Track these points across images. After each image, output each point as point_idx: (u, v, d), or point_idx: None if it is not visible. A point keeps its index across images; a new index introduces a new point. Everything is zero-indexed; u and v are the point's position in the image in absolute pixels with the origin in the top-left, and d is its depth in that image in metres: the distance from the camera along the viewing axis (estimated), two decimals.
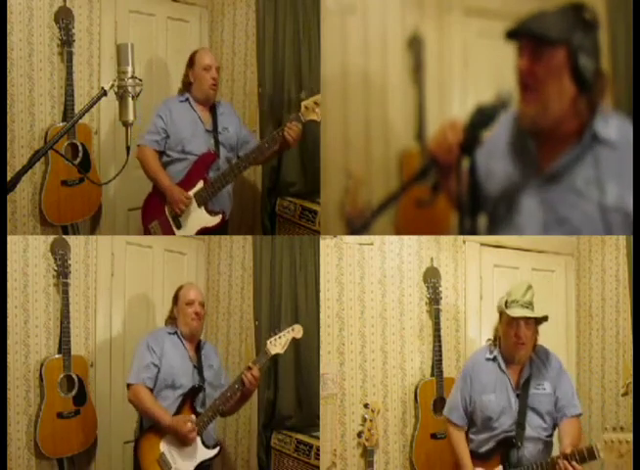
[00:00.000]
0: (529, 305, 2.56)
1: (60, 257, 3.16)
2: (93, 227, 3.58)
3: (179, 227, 3.09)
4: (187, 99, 3.17)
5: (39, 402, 3.06)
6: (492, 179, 2.00)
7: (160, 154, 3.13)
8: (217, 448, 2.83)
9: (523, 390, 2.60)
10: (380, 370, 3.21)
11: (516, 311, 2.54)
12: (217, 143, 3.13)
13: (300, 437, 3.36)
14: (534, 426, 2.59)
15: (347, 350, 3.16)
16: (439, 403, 3.20)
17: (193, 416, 2.76)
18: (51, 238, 3.21)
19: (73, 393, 3.11)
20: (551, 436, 2.63)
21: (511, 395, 2.62)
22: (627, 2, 3.06)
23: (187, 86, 3.19)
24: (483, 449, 2.65)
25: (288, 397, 3.46)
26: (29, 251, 3.12)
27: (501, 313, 2.62)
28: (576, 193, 1.89)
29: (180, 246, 3.66)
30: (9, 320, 3.00)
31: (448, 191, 1.98)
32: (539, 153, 1.97)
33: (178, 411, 2.78)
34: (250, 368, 2.77)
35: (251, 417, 3.55)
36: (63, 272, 3.15)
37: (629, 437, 2.30)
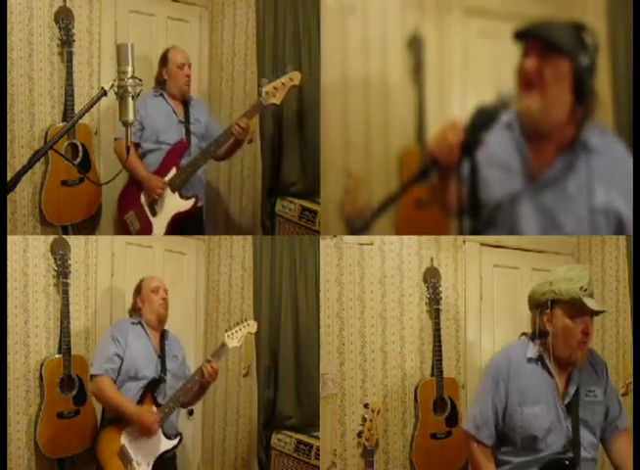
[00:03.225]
0: (593, 295, 2.15)
1: (60, 257, 3.16)
2: (93, 227, 3.58)
3: (155, 214, 3.21)
4: (161, 94, 3.31)
5: (39, 402, 3.06)
6: (488, 187, 2.00)
7: (137, 145, 3.23)
8: (177, 439, 2.87)
9: (574, 399, 2.16)
10: (380, 370, 3.21)
11: (593, 303, 2.10)
12: (189, 133, 3.29)
13: (300, 437, 3.36)
14: (587, 444, 2.15)
15: (347, 350, 3.16)
16: (439, 403, 3.21)
17: (154, 408, 2.79)
18: (51, 238, 3.21)
19: (73, 393, 3.11)
20: (597, 453, 2.21)
21: (559, 406, 2.16)
22: (627, 23, 3.08)
23: (161, 83, 3.32)
24: None
25: (288, 397, 3.46)
26: (29, 251, 3.12)
27: (552, 304, 2.14)
28: (569, 199, 1.94)
29: (180, 246, 3.66)
30: (9, 320, 3.00)
31: (447, 193, 1.99)
32: (533, 158, 2.00)
33: (140, 402, 2.81)
34: (209, 361, 2.83)
35: (251, 417, 3.55)
36: (63, 272, 3.15)
37: None
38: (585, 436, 2.14)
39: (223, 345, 2.89)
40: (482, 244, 3.40)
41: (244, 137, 3.17)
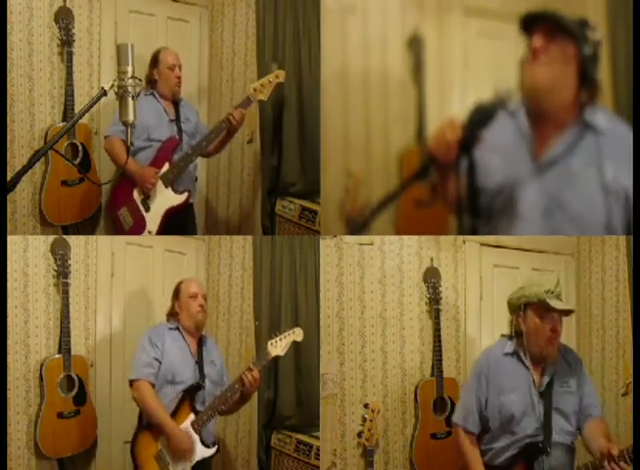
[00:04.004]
0: (561, 298, 2.38)
1: (60, 257, 3.16)
2: (93, 227, 3.58)
3: (148, 210, 3.21)
4: (152, 93, 3.32)
5: (39, 402, 3.06)
6: (489, 173, 2.01)
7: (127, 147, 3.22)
8: (215, 447, 2.82)
9: (547, 389, 2.38)
10: (380, 370, 3.21)
11: (558, 303, 2.33)
12: (180, 131, 3.33)
13: (300, 437, 3.36)
14: (560, 430, 2.36)
15: (347, 350, 3.16)
16: (439, 403, 3.20)
17: (192, 417, 2.75)
18: (51, 238, 3.21)
19: (73, 393, 3.11)
20: (574, 441, 2.41)
21: (534, 394, 2.38)
22: (627, 22, 3.08)
23: (152, 83, 3.33)
24: (502, 459, 2.39)
25: (288, 397, 3.46)
26: (29, 251, 3.12)
27: (525, 306, 2.38)
28: (574, 176, 1.95)
29: (180, 246, 3.66)
30: (9, 320, 3.00)
31: (446, 191, 1.99)
32: (535, 142, 2.01)
33: (177, 408, 2.76)
34: (250, 369, 2.76)
35: (251, 417, 3.55)
36: (63, 272, 3.15)
37: None
38: (558, 422, 2.35)
39: (267, 353, 2.80)
40: (482, 244, 3.40)
41: (239, 127, 3.24)
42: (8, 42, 3.24)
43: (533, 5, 1.97)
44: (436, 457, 3.16)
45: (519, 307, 2.41)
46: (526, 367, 2.40)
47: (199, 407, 2.79)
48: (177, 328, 2.89)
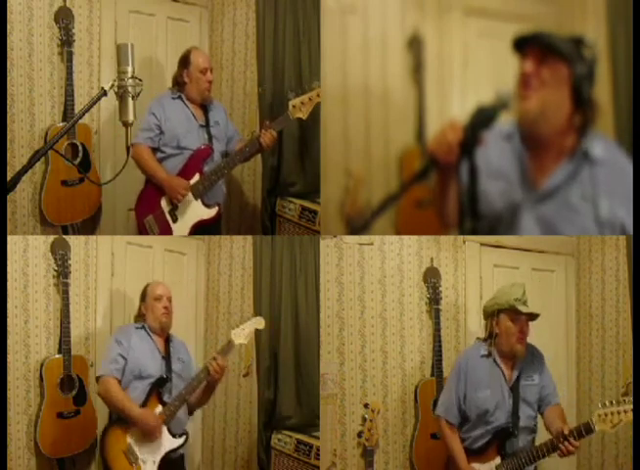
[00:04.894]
0: (527, 304, 2.74)
1: (60, 257, 3.16)
2: (93, 227, 3.58)
3: (175, 220, 3.15)
4: (179, 96, 3.22)
5: (39, 402, 3.06)
6: (488, 199, 2.02)
7: (155, 150, 3.17)
8: (184, 438, 2.86)
9: (515, 383, 2.74)
10: (380, 370, 3.21)
11: (525, 308, 2.69)
12: (210, 137, 3.22)
13: (300, 437, 3.36)
14: (526, 416, 2.74)
15: (347, 350, 3.16)
16: None
17: (159, 409, 2.79)
18: (51, 238, 3.21)
19: (73, 393, 3.11)
20: (536, 424, 2.79)
21: (504, 388, 2.74)
22: (628, 34, 3.08)
23: (181, 85, 3.22)
24: (479, 444, 2.75)
25: (288, 397, 3.46)
26: (29, 251, 3.12)
27: (499, 311, 2.74)
28: (571, 209, 1.97)
29: (180, 246, 3.66)
30: (9, 320, 3.00)
31: (446, 192, 1.99)
32: (532, 168, 2.02)
33: (146, 401, 2.81)
34: (215, 358, 2.82)
35: (250, 417, 3.55)
36: (63, 272, 3.15)
37: (620, 408, 2.45)
38: (525, 410, 2.74)
39: (230, 342, 2.87)
40: (482, 244, 3.40)
41: (269, 148, 3.12)
42: (8, 42, 3.23)
43: (533, 7, 1.97)
44: (436, 457, 3.15)
45: (492, 313, 2.76)
46: (499, 366, 2.75)
47: (166, 399, 2.83)
48: (143, 327, 2.95)
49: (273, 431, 3.49)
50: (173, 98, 3.21)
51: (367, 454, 3.06)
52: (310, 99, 3.03)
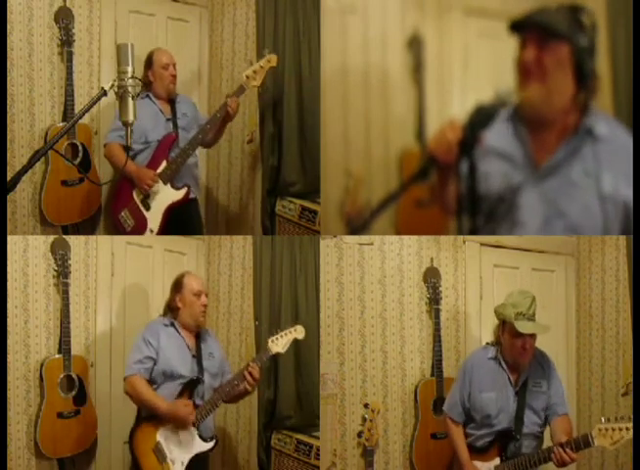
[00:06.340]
0: (534, 317, 2.63)
1: (60, 257, 3.16)
2: (93, 227, 3.58)
3: (148, 209, 3.23)
4: (147, 95, 3.32)
5: (39, 402, 3.06)
6: (489, 180, 2.01)
7: (126, 148, 3.20)
8: (214, 441, 2.84)
9: (521, 388, 2.70)
10: (380, 370, 3.21)
11: (526, 327, 2.60)
12: (176, 127, 3.33)
13: (300, 437, 3.36)
14: (530, 422, 2.69)
15: (347, 350, 3.16)
16: (439, 403, 3.19)
17: (190, 401, 2.76)
18: (51, 238, 3.21)
19: (73, 393, 3.11)
20: (542, 432, 2.74)
21: (510, 393, 2.70)
22: (627, 4, 3.07)
23: (147, 85, 3.32)
24: (481, 443, 2.74)
25: (288, 397, 3.46)
26: (29, 251, 3.12)
27: (504, 322, 2.68)
28: (573, 185, 1.95)
29: (180, 246, 3.66)
30: (9, 320, 3.00)
31: (446, 192, 1.99)
32: (534, 147, 2.00)
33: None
34: (250, 366, 2.77)
35: (251, 417, 3.55)
36: (63, 272, 3.15)
37: (622, 425, 2.39)
38: (530, 416, 2.68)
39: (266, 350, 2.82)
40: (482, 244, 3.40)
41: (234, 116, 3.26)
42: (8, 42, 3.24)
43: (533, 6, 1.96)
44: (436, 457, 3.16)
45: (500, 320, 2.71)
46: (505, 370, 2.71)
47: (197, 402, 2.80)
48: (172, 324, 2.89)
49: (273, 431, 3.49)
50: (142, 98, 3.27)
51: (367, 454, 3.06)
52: (262, 66, 3.22)
